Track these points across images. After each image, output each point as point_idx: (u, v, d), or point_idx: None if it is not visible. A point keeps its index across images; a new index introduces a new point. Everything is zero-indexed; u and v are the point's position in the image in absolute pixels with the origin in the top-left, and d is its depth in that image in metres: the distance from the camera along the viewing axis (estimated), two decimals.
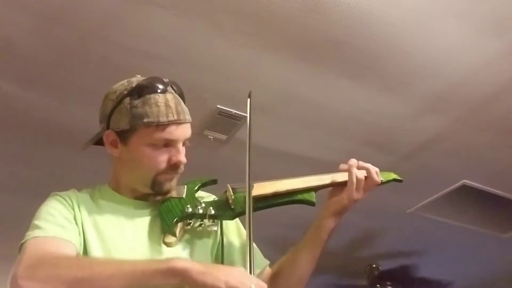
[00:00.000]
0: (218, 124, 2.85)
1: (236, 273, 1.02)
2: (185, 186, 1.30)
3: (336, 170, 1.36)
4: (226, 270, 1.02)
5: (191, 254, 1.23)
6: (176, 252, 1.21)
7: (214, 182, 1.35)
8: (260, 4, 2.14)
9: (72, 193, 1.26)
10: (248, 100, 1.30)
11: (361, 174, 1.31)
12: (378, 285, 4.54)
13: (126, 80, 1.26)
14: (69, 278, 0.99)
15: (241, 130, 2.87)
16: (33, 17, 2.21)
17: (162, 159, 1.21)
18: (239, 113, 2.78)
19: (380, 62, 2.46)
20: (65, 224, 1.16)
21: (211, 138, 2.94)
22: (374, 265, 4.53)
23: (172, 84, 1.26)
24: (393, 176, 1.42)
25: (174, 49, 2.39)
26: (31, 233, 1.13)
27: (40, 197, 1.27)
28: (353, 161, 1.34)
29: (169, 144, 1.21)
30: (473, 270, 4.65)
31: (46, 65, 2.47)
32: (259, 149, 3.02)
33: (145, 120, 1.17)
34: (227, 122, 2.84)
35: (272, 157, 3.12)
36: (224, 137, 2.94)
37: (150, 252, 1.18)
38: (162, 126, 1.18)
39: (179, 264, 0.99)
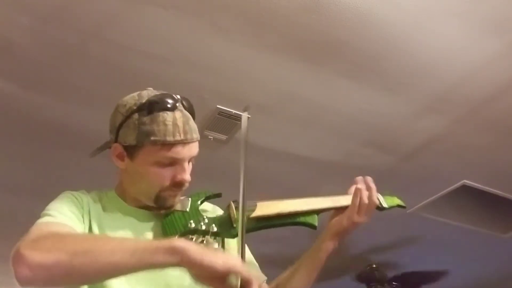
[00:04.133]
0: (218, 124, 2.85)
1: (232, 257, 1.03)
2: (189, 198, 1.30)
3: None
4: (222, 253, 1.04)
5: None
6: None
7: (218, 196, 1.36)
8: (260, 4, 2.14)
9: (83, 194, 1.27)
10: (245, 115, 1.27)
11: (365, 196, 1.33)
12: (378, 285, 4.54)
13: (137, 93, 1.27)
14: (71, 249, 1.00)
15: (241, 130, 2.86)
16: (33, 17, 2.21)
17: (167, 176, 1.22)
18: (239, 113, 2.78)
19: (380, 62, 2.46)
20: (73, 218, 1.18)
21: (211, 138, 2.94)
22: (374, 265, 4.53)
23: (183, 100, 1.26)
24: (397, 201, 1.45)
25: (174, 49, 2.40)
26: (39, 220, 1.15)
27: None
28: (360, 182, 1.36)
29: (174, 162, 1.22)
30: (473, 270, 4.65)
31: (46, 65, 2.47)
32: (259, 149, 3.02)
33: (152, 138, 1.18)
34: (227, 122, 2.84)
35: (272, 157, 3.12)
36: (224, 137, 2.94)
37: None
38: (168, 145, 1.19)
39: (179, 243, 1.00)
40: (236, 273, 0.96)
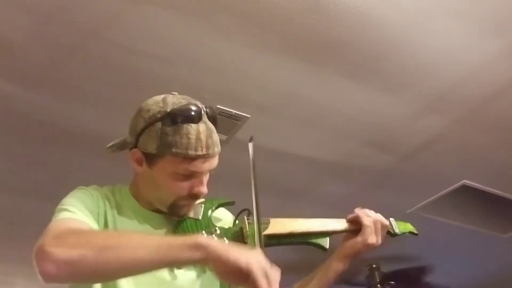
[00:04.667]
0: (218, 124, 2.85)
1: (257, 254, 1.02)
2: (202, 205, 1.30)
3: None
4: (247, 250, 1.03)
5: (200, 277, 1.24)
6: (186, 274, 1.23)
7: (231, 203, 1.36)
8: (260, 4, 2.14)
9: (97, 191, 1.27)
10: (251, 144, 1.26)
11: (375, 220, 1.35)
12: (378, 286, 4.54)
13: (161, 98, 1.23)
14: (97, 244, 1.00)
15: (241, 130, 2.86)
16: (33, 17, 2.21)
17: (184, 187, 1.21)
18: (239, 113, 2.78)
19: (380, 62, 2.46)
20: (87, 214, 1.18)
21: None
22: (374, 265, 4.53)
23: (208, 109, 1.25)
24: (410, 228, 1.47)
25: (174, 49, 2.39)
26: (59, 215, 1.14)
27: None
28: (366, 211, 1.37)
29: (193, 175, 1.21)
30: (473, 270, 4.65)
31: (46, 65, 2.47)
32: (259, 149, 3.01)
33: (173, 150, 1.17)
34: (227, 122, 2.84)
35: (272, 157, 3.12)
36: (224, 137, 2.94)
37: (161, 271, 1.19)
38: (189, 159, 1.18)
39: (203, 240, 1.00)
40: (253, 276, 0.96)
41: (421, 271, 4.76)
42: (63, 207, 1.17)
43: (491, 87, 2.61)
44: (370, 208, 1.40)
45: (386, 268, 4.58)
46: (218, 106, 2.74)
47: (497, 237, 4.04)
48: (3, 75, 2.55)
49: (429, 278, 4.87)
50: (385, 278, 4.59)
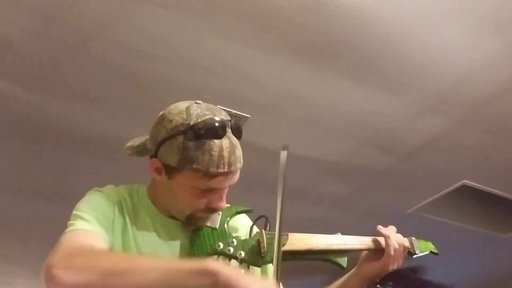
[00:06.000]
0: None
1: (267, 284, 1.02)
2: (220, 213, 1.28)
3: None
4: (257, 278, 1.03)
5: None
6: None
7: (250, 211, 1.34)
8: (260, 4, 2.14)
9: (112, 193, 1.25)
10: (285, 153, 1.20)
11: (399, 243, 1.32)
12: (378, 286, 4.54)
13: (186, 107, 1.18)
14: (104, 269, 0.99)
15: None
16: (33, 17, 2.21)
17: (203, 201, 1.19)
18: (239, 113, 2.78)
19: (380, 62, 2.46)
20: (104, 222, 1.17)
21: None
22: None
23: (233, 124, 1.20)
24: (431, 247, 1.43)
25: (174, 49, 2.39)
26: (74, 223, 1.13)
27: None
28: (392, 231, 1.34)
29: (213, 191, 1.19)
30: (473, 270, 4.65)
31: (46, 65, 2.47)
32: (259, 149, 3.02)
33: (194, 166, 1.13)
34: None
35: (272, 157, 3.12)
36: None
37: None
38: (210, 175, 1.14)
39: (213, 265, 0.99)
40: None
41: (421, 271, 4.75)
42: (78, 213, 1.16)
43: (491, 87, 2.61)
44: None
45: None
46: (218, 106, 2.73)
47: (497, 237, 4.04)
48: (3, 75, 2.55)
49: (429, 278, 4.87)
50: (385, 278, 4.59)
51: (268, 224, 1.24)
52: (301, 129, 2.96)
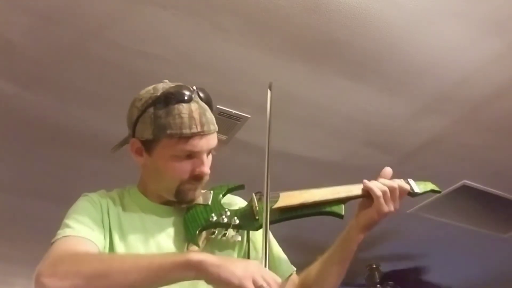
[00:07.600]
0: (218, 124, 2.82)
1: (251, 267, 1.01)
2: (211, 191, 1.29)
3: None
4: (241, 263, 1.02)
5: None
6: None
7: (241, 187, 1.34)
8: (260, 4, 2.14)
9: (101, 197, 1.26)
10: (269, 92, 1.26)
11: (386, 184, 1.28)
12: (378, 286, 4.54)
13: (152, 86, 1.25)
14: (87, 274, 1.02)
15: (241, 131, 2.86)
16: (33, 17, 2.21)
17: (185, 170, 1.21)
18: (239, 113, 2.78)
19: (380, 62, 2.46)
20: (93, 226, 1.18)
21: None
22: (374, 265, 4.53)
23: (199, 91, 1.25)
24: (430, 186, 1.40)
25: (174, 49, 2.40)
26: (61, 232, 1.15)
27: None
28: (371, 182, 1.31)
29: (192, 155, 1.20)
30: (473, 270, 4.65)
31: (46, 65, 2.47)
32: (260, 149, 3.02)
33: (168, 131, 1.17)
34: (227, 122, 2.83)
35: (272, 157, 3.12)
36: (224, 137, 2.94)
37: None
38: (185, 138, 1.17)
39: (195, 257, 1.00)
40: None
41: (421, 271, 4.75)
42: (66, 221, 1.18)
43: (491, 87, 2.61)
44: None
45: (386, 268, 4.58)
46: (218, 106, 2.74)
47: (497, 237, 4.04)
48: (3, 75, 2.55)
49: (429, 278, 4.87)
50: (385, 278, 4.59)
51: (262, 195, 1.23)
52: (301, 129, 2.96)
